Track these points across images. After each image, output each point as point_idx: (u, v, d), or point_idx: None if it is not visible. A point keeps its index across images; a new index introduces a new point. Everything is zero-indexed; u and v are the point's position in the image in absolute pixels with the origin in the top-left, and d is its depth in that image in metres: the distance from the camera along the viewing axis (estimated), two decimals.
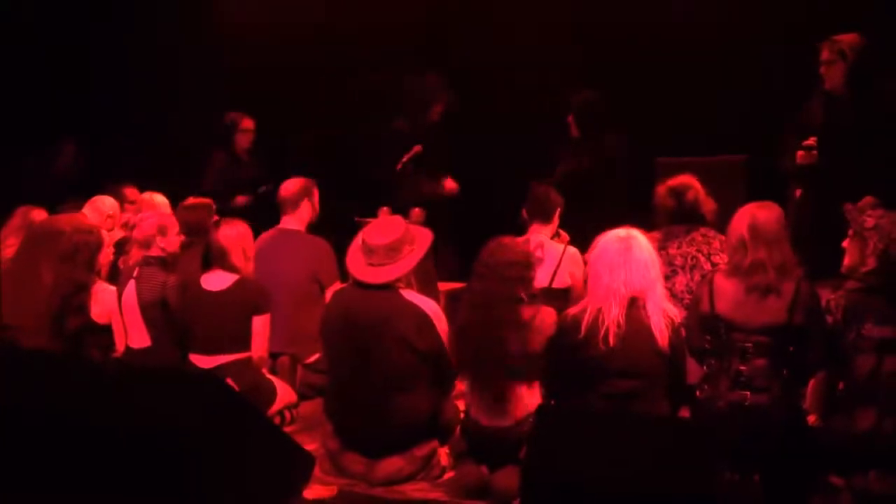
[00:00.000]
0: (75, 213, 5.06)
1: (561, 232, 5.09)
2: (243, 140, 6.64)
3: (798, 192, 5.11)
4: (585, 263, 3.85)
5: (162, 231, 4.63)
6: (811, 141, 4.94)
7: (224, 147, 6.59)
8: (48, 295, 4.39)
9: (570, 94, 5.93)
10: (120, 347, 4.59)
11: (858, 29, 5.01)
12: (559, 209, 4.99)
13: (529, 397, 3.84)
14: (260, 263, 4.73)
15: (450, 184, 6.15)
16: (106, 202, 5.77)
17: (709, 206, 4.63)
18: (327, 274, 4.89)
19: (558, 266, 4.79)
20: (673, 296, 4.52)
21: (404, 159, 5.99)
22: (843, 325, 3.68)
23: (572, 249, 4.85)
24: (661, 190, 4.70)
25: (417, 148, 6.04)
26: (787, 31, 5.93)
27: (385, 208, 5.72)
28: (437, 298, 4.83)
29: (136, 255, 4.65)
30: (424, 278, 4.66)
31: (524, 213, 5.03)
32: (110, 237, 4.98)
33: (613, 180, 5.73)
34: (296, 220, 5.12)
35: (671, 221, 4.69)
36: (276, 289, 4.59)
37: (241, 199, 6.34)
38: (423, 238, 4.04)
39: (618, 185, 5.72)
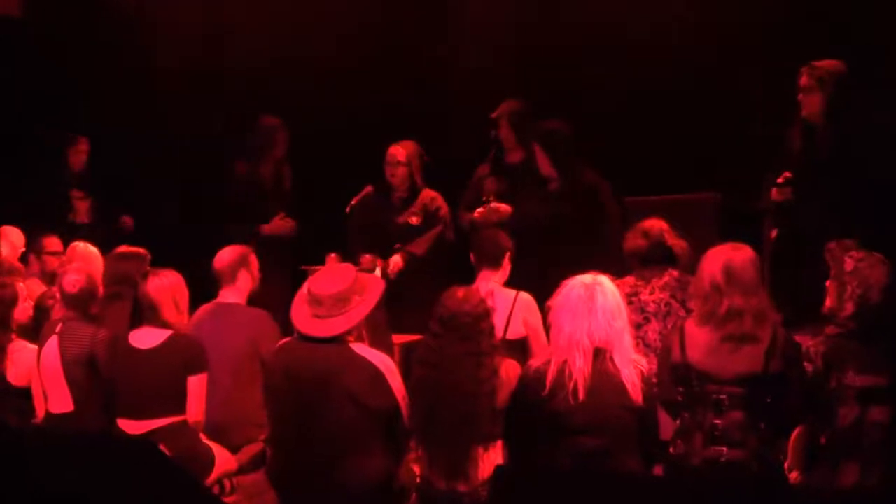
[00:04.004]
0: None
1: None
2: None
3: (774, 233, 5.24)
4: (548, 310, 3.93)
5: (91, 288, 4.65)
6: (783, 177, 5.07)
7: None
8: None
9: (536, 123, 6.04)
10: (40, 413, 4.59)
11: (840, 56, 5.18)
12: (509, 253, 5.04)
13: (491, 458, 3.89)
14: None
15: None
16: (14, 234, 5.80)
17: (680, 245, 4.75)
18: (270, 349, 4.86)
19: (511, 315, 4.83)
20: (645, 345, 4.65)
21: (353, 202, 6.07)
22: (824, 373, 3.82)
23: (525, 296, 4.88)
24: (631, 232, 4.83)
25: (368, 189, 6.12)
26: (766, 58, 6.09)
27: (333, 255, 5.76)
28: (390, 352, 4.86)
29: (59, 310, 4.65)
30: (376, 330, 4.69)
31: (472, 258, 5.11)
32: (29, 289, 4.97)
33: (591, 222, 5.82)
34: (235, 293, 5.05)
35: (642, 265, 4.80)
36: (213, 367, 4.57)
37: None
38: (373, 287, 4.08)
39: (596, 227, 5.81)
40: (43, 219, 6.57)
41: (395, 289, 5.90)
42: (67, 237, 6.10)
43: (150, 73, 7.67)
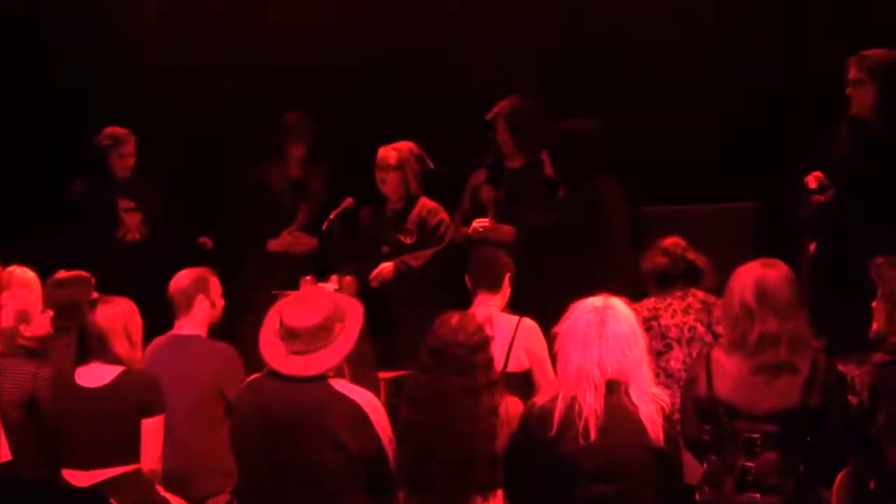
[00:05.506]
0: None
1: None
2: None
3: (812, 246, 5.20)
4: (554, 338, 3.89)
5: (23, 318, 4.61)
6: (811, 179, 5.01)
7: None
8: None
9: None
10: None
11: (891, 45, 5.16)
12: (509, 274, 5.05)
13: None
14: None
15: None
16: None
17: (701, 262, 4.73)
18: (235, 389, 4.80)
19: (512, 344, 4.85)
20: (668, 375, 4.64)
21: (331, 216, 6.02)
22: (871, 407, 3.79)
23: (528, 322, 4.92)
24: (650, 251, 4.86)
25: (348, 201, 6.07)
26: (812, 49, 6.10)
27: (309, 277, 5.73)
28: (375, 389, 4.82)
29: None
30: (359, 364, 4.67)
31: (467, 280, 5.10)
32: None
33: (602, 236, 5.80)
34: (192, 323, 4.98)
35: (663, 285, 4.79)
36: (170, 409, 4.52)
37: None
38: (353, 310, 4.06)
39: (606, 242, 5.78)
40: (84, 236, 6.39)
41: (390, 319, 5.86)
42: (116, 258, 5.86)
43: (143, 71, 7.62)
